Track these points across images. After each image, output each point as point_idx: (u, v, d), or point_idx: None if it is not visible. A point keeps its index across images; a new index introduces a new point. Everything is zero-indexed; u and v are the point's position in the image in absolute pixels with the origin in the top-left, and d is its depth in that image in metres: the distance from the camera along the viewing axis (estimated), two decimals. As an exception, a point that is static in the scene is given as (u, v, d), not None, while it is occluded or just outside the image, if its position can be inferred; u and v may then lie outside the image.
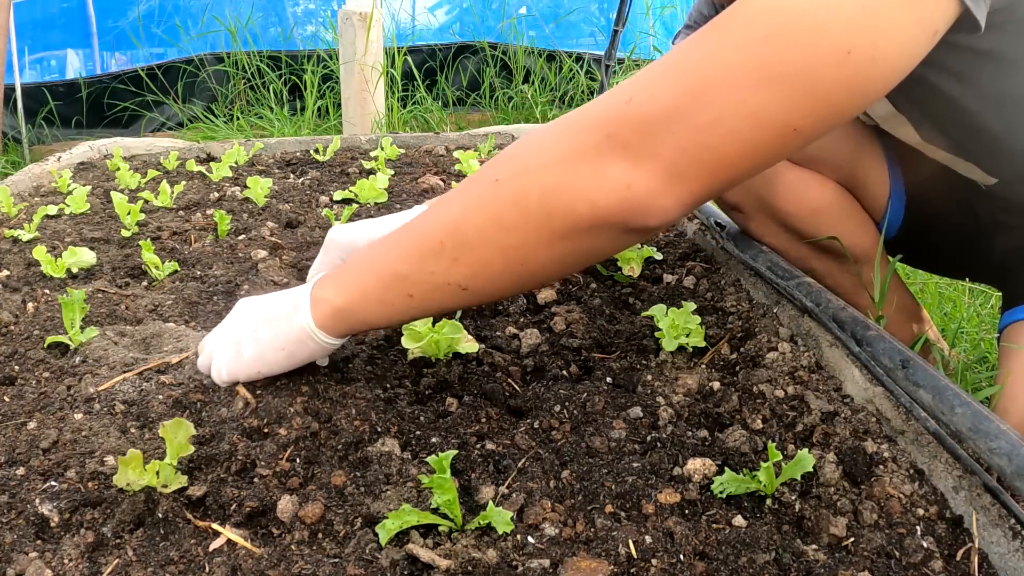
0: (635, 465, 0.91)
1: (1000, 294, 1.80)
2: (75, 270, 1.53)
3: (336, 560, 0.77)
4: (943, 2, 0.82)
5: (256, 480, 0.88)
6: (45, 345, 1.21)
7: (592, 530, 0.81)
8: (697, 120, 0.80)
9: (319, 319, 0.95)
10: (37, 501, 0.84)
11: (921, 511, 0.85)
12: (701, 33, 0.83)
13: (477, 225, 0.87)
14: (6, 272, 1.52)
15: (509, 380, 1.11)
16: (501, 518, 0.80)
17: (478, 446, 0.95)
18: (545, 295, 1.40)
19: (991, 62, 1.04)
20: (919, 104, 1.18)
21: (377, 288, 0.93)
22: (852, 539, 0.81)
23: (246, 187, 2.02)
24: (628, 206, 0.83)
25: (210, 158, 2.55)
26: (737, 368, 1.15)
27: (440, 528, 0.81)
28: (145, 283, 1.52)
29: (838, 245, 1.49)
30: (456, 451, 0.89)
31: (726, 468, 0.90)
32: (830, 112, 0.82)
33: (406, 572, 0.76)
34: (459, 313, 1.30)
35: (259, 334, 0.99)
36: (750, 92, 0.79)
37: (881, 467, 0.91)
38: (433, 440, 0.96)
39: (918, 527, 0.83)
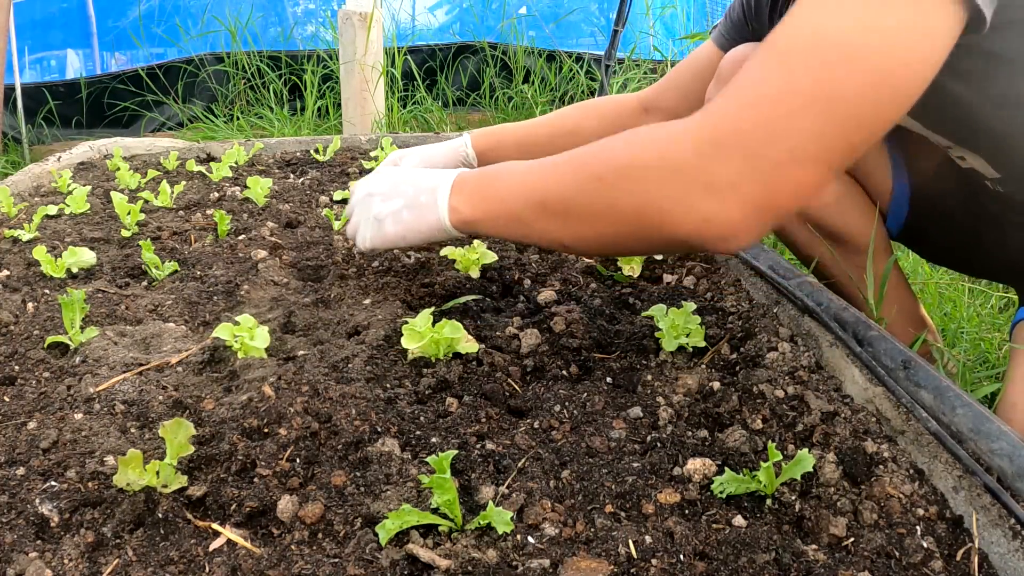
0: (635, 465, 0.91)
1: (1002, 294, 1.80)
2: (75, 270, 1.53)
3: (336, 560, 0.77)
4: (954, 10, 0.87)
5: (256, 480, 0.88)
6: (45, 345, 1.21)
7: (592, 530, 0.81)
8: (776, 153, 0.87)
9: (452, 216, 1.17)
10: (37, 501, 0.84)
11: (921, 511, 0.85)
12: (765, 63, 0.90)
13: (582, 209, 1.03)
14: (6, 272, 1.52)
15: (509, 380, 1.11)
16: (501, 518, 0.80)
17: (478, 446, 0.95)
18: (545, 295, 1.40)
19: (993, 62, 1.06)
20: (923, 102, 1.21)
21: (501, 219, 1.13)
22: (852, 539, 0.81)
23: (246, 187, 2.02)
24: (704, 236, 0.93)
25: (210, 158, 2.55)
26: (737, 368, 1.15)
27: (440, 528, 0.81)
28: (145, 283, 1.52)
29: (846, 234, 1.50)
30: (456, 451, 0.89)
31: (726, 468, 0.90)
32: (880, 126, 0.91)
33: (406, 572, 0.76)
34: (459, 313, 1.30)
35: (401, 216, 1.21)
36: (819, 120, 0.86)
37: (881, 467, 0.91)
38: (433, 440, 0.96)
39: (918, 527, 0.83)
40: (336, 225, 1.80)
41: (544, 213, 1.07)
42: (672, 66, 4.35)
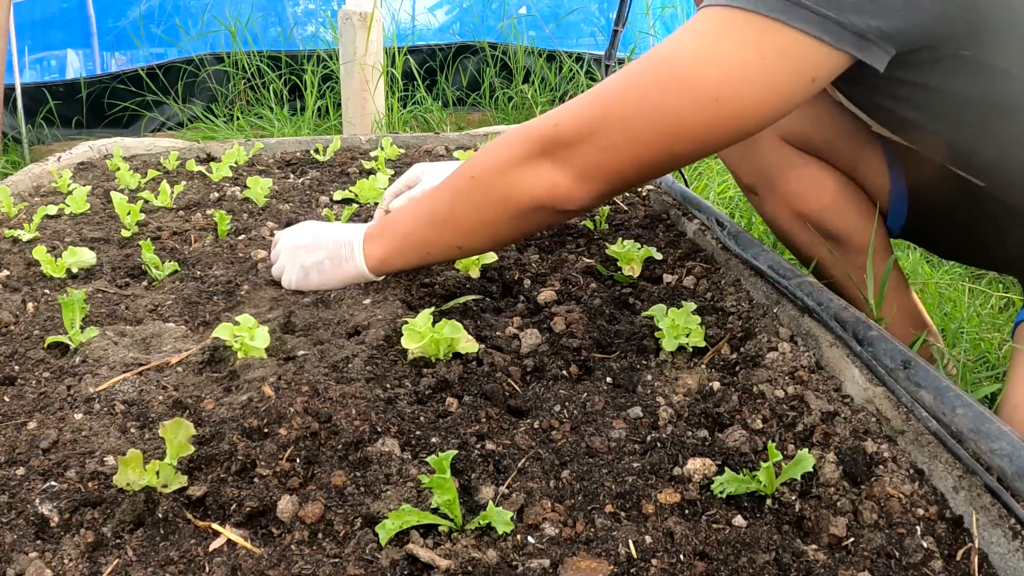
0: (635, 465, 0.91)
1: (1002, 295, 1.80)
2: (75, 270, 1.53)
3: (336, 560, 0.77)
4: (823, 55, 1.01)
5: (256, 480, 0.88)
6: (45, 345, 1.21)
7: (592, 530, 0.81)
8: (601, 142, 1.12)
9: (368, 262, 1.35)
10: (37, 501, 0.84)
11: (921, 511, 0.85)
12: (619, 76, 1.12)
13: (463, 208, 1.26)
14: (6, 272, 1.52)
15: (509, 380, 1.11)
16: (501, 518, 0.80)
17: (478, 446, 0.95)
18: (545, 295, 1.40)
19: (934, 93, 1.14)
20: (890, 125, 1.34)
21: (404, 248, 1.34)
22: (852, 539, 0.81)
23: (246, 187, 2.02)
24: (554, 198, 1.18)
25: (210, 158, 2.55)
26: (737, 368, 1.15)
27: (440, 528, 0.81)
28: (145, 283, 1.52)
29: (846, 234, 1.52)
30: (456, 451, 0.89)
31: (726, 468, 0.90)
32: (703, 143, 1.10)
33: (406, 572, 0.76)
34: (459, 314, 1.30)
35: (323, 267, 1.37)
36: (639, 126, 1.09)
37: (881, 467, 0.91)
38: (433, 440, 0.96)
39: (918, 527, 0.83)
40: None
41: (436, 226, 1.29)
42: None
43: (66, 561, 0.77)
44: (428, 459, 0.83)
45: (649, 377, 1.12)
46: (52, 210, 1.86)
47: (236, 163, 2.40)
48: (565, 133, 1.14)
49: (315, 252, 1.38)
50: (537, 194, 1.18)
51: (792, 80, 1.03)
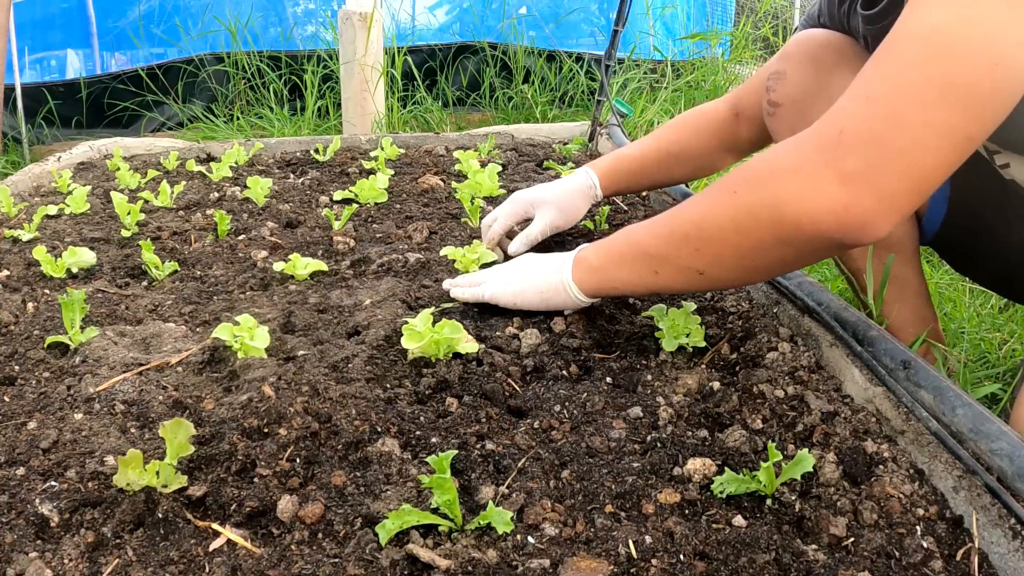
0: (635, 465, 0.91)
1: (1000, 296, 1.78)
2: (75, 270, 1.53)
3: (336, 560, 0.77)
4: None
5: (256, 480, 0.88)
6: (45, 345, 1.20)
7: (592, 530, 0.81)
8: (901, 143, 0.92)
9: (576, 274, 1.21)
10: (37, 501, 0.84)
11: (921, 511, 0.85)
12: (882, 62, 0.96)
13: (718, 225, 1.05)
14: (6, 272, 1.52)
15: (509, 380, 1.11)
16: (501, 518, 0.80)
17: (478, 446, 0.95)
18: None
19: None
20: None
21: (630, 259, 1.16)
22: (852, 539, 0.81)
23: (246, 187, 2.02)
24: (844, 226, 0.95)
25: (210, 158, 2.55)
26: (737, 368, 1.15)
27: (440, 528, 0.81)
28: (145, 283, 1.52)
29: None
30: (456, 451, 0.89)
31: (726, 468, 0.90)
32: (992, 117, 0.94)
33: (406, 572, 0.76)
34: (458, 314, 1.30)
35: (526, 275, 1.28)
36: (935, 111, 0.91)
37: (881, 467, 0.91)
38: (433, 440, 0.96)
39: (918, 527, 0.83)
40: (336, 225, 1.80)
41: (679, 241, 1.09)
42: (672, 66, 4.36)
43: (66, 561, 0.77)
44: (428, 459, 0.83)
45: (649, 377, 1.12)
46: (52, 210, 1.86)
47: (236, 163, 2.40)
48: (855, 143, 0.94)
49: (524, 266, 1.31)
50: (821, 219, 0.96)
51: None
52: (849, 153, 0.94)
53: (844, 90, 1.03)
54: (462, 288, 1.36)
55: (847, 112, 0.97)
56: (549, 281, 1.25)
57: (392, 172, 2.27)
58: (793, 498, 0.87)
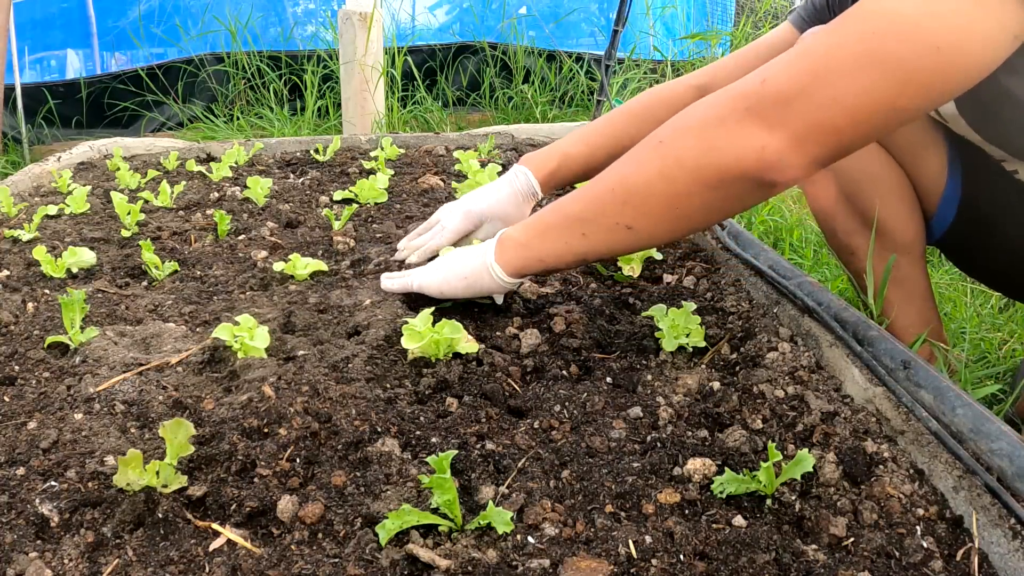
0: (635, 465, 0.91)
1: (1005, 296, 1.77)
2: (75, 270, 1.53)
3: (336, 560, 0.77)
4: (1017, 9, 0.94)
5: (256, 480, 0.88)
6: (45, 345, 1.20)
7: (592, 530, 0.81)
8: (819, 97, 0.98)
9: (499, 255, 1.20)
10: (37, 501, 0.84)
11: (921, 511, 0.85)
12: (825, 29, 1.01)
13: (644, 176, 1.08)
14: (6, 272, 1.52)
15: (509, 380, 1.11)
16: (501, 518, 0.80)
17: (478, 446, 0.95)
18: (545, 293, 1.40)
19: None
20: (981, 109, 1.26)
21: (555, 228, 1.15)
22: (852, 539, 0.81)
23: (246, 187, 2.02)
24: (763, 164, 1.01)
25: (210, 158, 2.55)
26: (737, 368, 1.15)
27: (440, 528, 0.81)
28: (145, 283, 1.52)
29: (889, 227, 1.45)
30: (456, 451, 0.89)
31: (726, 468, 0.90)
32: (926, 95, 0.98)
33: (406, 572, 0.76)
34: (459, 314, 1.30)
35: (452, 263, 1.26)
36: (862, 75, 0.96)
37: (881, 467, 0.91)
38: (433, 440, 0.96)
39: (918, 527, 0.83)
40: (336, 225, 1.80)
41: (605, 198, 1.10)
42: (672, 66, 4.36)
43: (66, 561, 0.77)
44: (428, 459, 0.83)
45: (649, 377, 1.12)
46: (52, 210, 1.86)
47: (236, 163, 2.40)
48: (775, 89, 1.00)
49: (447, 258, 1.31)
50: (743, 158, 1.01)
51: (1002, 36, 0.96)
52: (770, 100, 1.00)
53: None
54: (392, 279, 1.35)
55: (775, 65, 1.03)
56: (472, 265, 1.24)
57: (392, 172, 2.27)
58: (793, 498, 0.87)
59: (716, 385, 1.09)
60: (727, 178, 1.03)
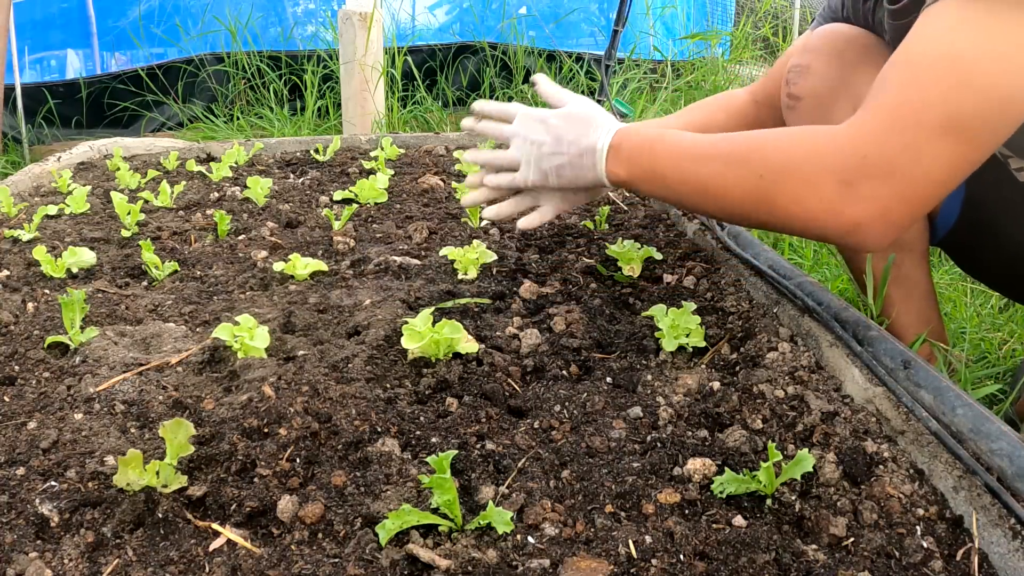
0: (635, 465, 0.91)
1: (1007, 297, 1.77)
2: (75, 270, 1.53)
3: (336, 560, 0.77)
4: None
5: (256, 480, 0.88)
6: (45, 345, 1.21)
7: (592, 530, 0.81)
8: (912, 174, 1.02)
9: (611, 178, 1.28)
10: (37, 501, 0.84)
11: (921, 511, 0.85)
12: (904, 76, 1.03)
13: (739, 196, 1.15)
14: (6, 272, 1.52)
15: (509, 380, 1.11)
16: (501, 518, 0.80)
17: (478, 446, 0.95)
18: (545, 291, 1.40)
19: None
20: None
21: (653, 184, 1.25)
22: (852, 539, 0.81)
23: (246, 187, 2.02)
24: (852, 237, 1.07)
25: (210, 158, 2.55)
26: (737, 368, 1.15)
27: (440, 528, 0.81)
28: (145, 283, 1.52)
29: None
30: (456, 451, 0.89)
31: (726, 468, 0.90)
32: (995, 146, 1.03)
33: (406, 572, 0.76)
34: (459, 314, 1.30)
35: (563, 172, 1.32)
36: (947, 147, 1.00)
37: (881, 467, 0.91)
38: (433, 440, 0.96)
39: (918, 527, 0.83)
40: (336, 225, 1.80)
41: (699, 195, 1.20)
42: (672, 66, 4.36)
43: (66, 561, 0.77)
44: (428, 459, 0.83)
45: (649, 377, 1.12)
46: (52, 210, 1.86)
47: (236, 163, 2.40)
48: (872, 166, 1.03)
49: (556, 157, 1.33)
50: (832, 229, 1.08)
51: None
52: (868, 179, 1.03)
53: (866, 88, 1.10)
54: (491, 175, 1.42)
55: (870, 132, 1.04)
56: (585, 178, 1.31)
57: (392, 172, 2.27)
58: (793, 498, 0.87)
59: (716, 385, 1.09)
60: (811, 235, 1.14)
